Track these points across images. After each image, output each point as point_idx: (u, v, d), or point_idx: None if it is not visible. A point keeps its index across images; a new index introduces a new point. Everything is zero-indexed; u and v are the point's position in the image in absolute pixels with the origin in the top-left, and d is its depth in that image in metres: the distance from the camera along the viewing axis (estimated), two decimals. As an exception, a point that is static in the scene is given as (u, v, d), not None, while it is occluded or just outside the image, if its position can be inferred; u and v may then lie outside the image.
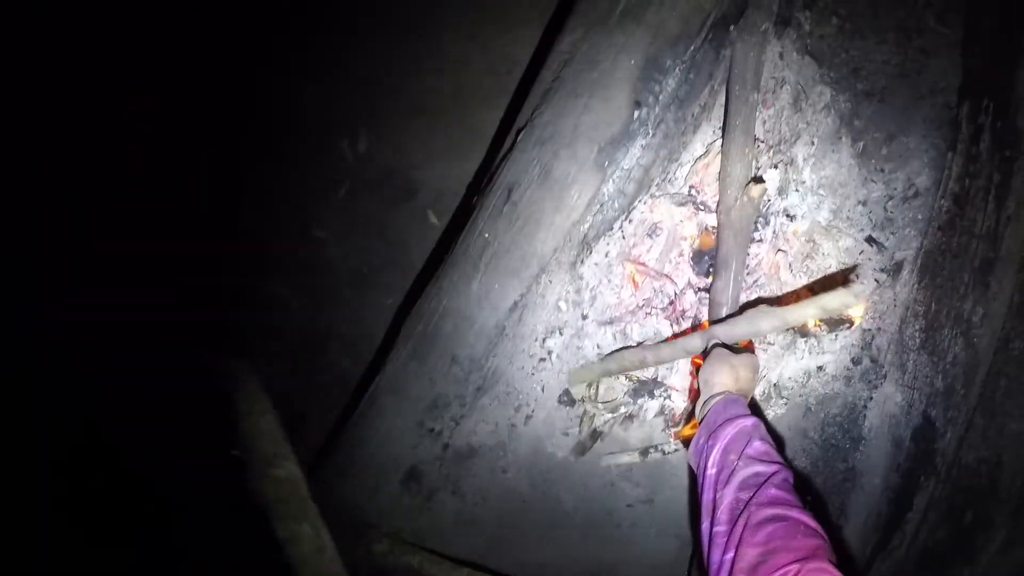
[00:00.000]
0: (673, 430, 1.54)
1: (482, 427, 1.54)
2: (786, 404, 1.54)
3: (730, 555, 0.87)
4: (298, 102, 2.32)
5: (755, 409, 1.21)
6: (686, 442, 1.33)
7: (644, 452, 1.52)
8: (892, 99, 1.65)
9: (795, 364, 1.54)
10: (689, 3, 1.50)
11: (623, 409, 1.57)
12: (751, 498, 0.91)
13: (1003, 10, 1.60)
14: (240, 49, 2.27)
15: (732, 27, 1.54)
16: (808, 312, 1.23)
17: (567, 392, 1.55)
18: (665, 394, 1.55)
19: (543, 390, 1.55)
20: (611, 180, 1.48)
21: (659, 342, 1.46)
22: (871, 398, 1.55)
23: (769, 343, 1.55)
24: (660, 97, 1.49)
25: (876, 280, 1.56)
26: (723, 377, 1.18)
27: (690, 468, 1.15)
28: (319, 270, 2.26)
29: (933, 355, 1.52)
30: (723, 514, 0.93)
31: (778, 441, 1.08)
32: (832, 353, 1.54)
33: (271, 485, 0.90)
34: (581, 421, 1.57)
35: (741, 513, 0.90)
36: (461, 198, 2.17)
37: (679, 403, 1.55)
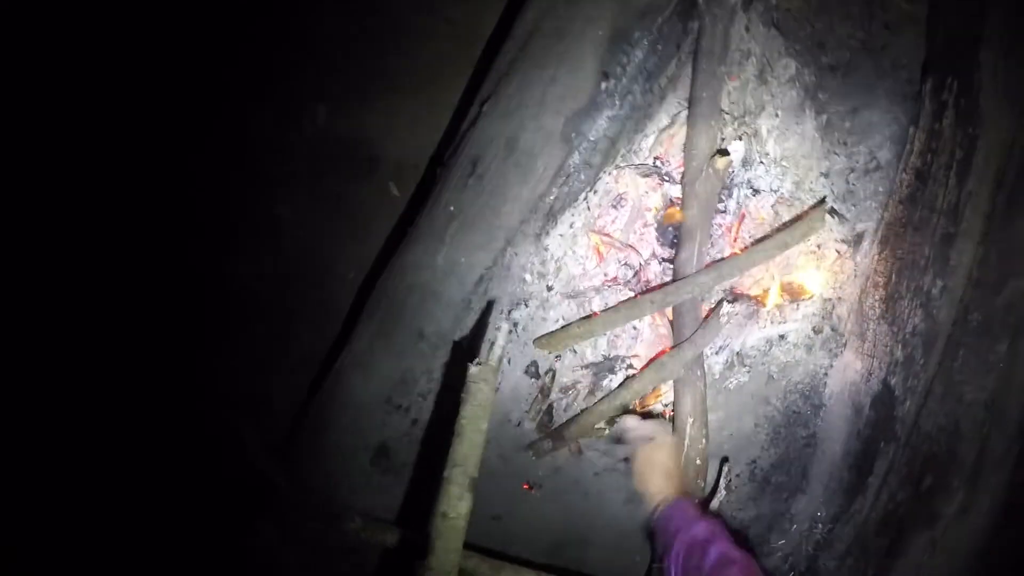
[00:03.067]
0: (637, 401, 1.55)
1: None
2: (749, 372, 1.57)
3: None
4: (257, 75, 2.27)
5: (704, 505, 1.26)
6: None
7: (610, 422, 1.54)
8: (856, 73, 1.66)
9: (758, 333, 1.56)
10: (658, -26, 1.50)
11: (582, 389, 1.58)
12: None
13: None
14: (197, 23, 2.21)
15: (700, 0, 1.54)
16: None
17: (533, 363, 1.56)
18: (626, 364, 1.56)
19: (509, 362, 1.55)
20: (577, 152, 1.48)
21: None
22: (831, 366, 1.58)
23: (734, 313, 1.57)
24: (628, 69, 1.49)
25: (837, 251, 1.59)
26: (654, 483, 1.21)
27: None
28: (280, 247, 2.23)
29: (893, 325, 1.55)
30: None
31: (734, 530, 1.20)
32: (794, 322, 1.57)
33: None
34: (535, 409, 1.56)
35: None
36: (423, 170, 2.14)
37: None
